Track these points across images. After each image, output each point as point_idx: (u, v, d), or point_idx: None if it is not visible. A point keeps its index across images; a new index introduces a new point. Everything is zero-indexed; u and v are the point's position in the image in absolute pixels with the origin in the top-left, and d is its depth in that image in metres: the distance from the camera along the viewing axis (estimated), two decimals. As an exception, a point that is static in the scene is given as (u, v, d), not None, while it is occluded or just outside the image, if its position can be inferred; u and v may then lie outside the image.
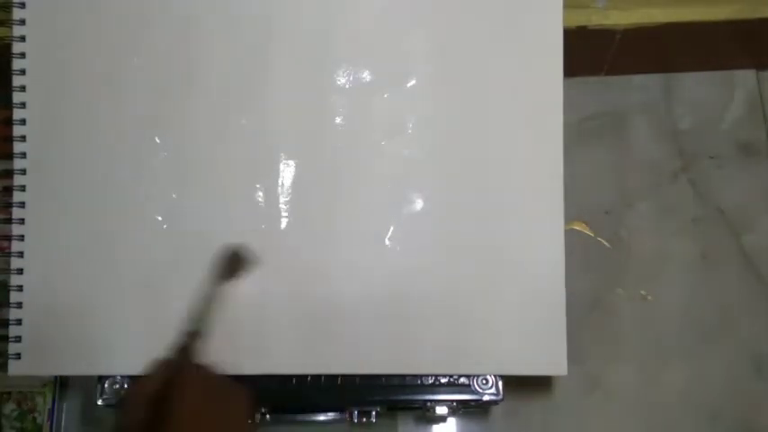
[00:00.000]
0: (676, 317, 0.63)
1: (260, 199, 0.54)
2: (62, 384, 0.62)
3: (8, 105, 0.54)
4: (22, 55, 0.54)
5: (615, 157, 0.67)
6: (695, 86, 0.69)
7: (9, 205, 0.54)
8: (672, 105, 0.68)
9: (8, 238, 0.54)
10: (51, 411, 0.61)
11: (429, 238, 0.54)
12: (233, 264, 0.49)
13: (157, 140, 0.54)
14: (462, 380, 0.54)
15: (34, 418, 0.61)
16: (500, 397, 0.54)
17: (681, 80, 0.69)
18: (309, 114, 0.54)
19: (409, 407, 0.58)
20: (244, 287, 0.53)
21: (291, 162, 0.54)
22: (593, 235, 0.66)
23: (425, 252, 0.54)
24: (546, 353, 0.53)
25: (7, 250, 0.54)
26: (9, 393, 0.62)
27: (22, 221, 0.54)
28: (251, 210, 0.54)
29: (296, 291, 0.53)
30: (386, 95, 0.54)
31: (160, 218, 0.54)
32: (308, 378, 0.54)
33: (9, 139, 0.54)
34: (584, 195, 0.65)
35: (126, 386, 0.54)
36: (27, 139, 0.54)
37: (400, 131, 0.54)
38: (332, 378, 0.54)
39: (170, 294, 0.53)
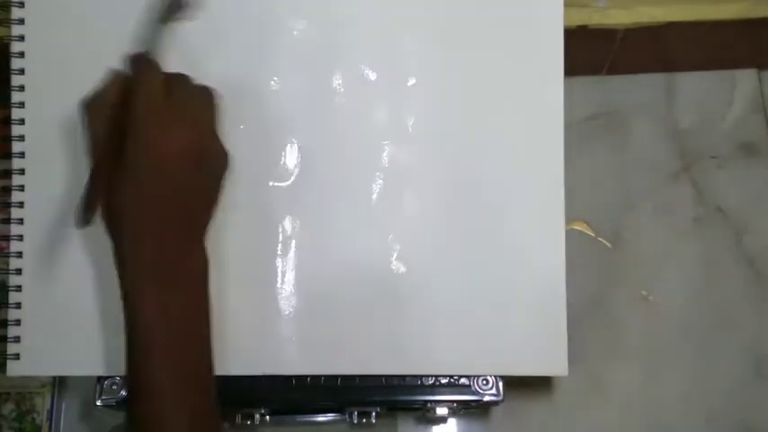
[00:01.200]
0: (677, 317, 0.63)
1: (260, 200, 0.54)
2: (61, 385, 0.62)
3: (7, 105, 0.54)
4: (21, 54, 0.54)
5: (616, 157, 0.67)
6: (697, 86, 0.69)
7: (8, 205, 0.54)
8: (673, 105, 0.68)
9: (7, 238, 0.54)
10: (50, 412, 0.61)
11: (429, 238, 0.53)
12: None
13: (157, 140, 0.54)
14: (462, 380, 0.54)
15: (33, 419, 0.61)
16: (500, 397, 0.53)
17: (682, 79, 0.69)
18: (309, 114, 0.54)
19: (409, 407, 0.58)
20: (244, 287, 0.53)
21: (291, 162, 0.54)
22: (593, 235, 0.65)
23: (425, 252, 0.53)
24: (546, 353, 0.53)
25: (6, 250, 0.54)
26: (8, 394, 0.61)
27: (21, 221, 0.53)
28: (250, 210, 0.53)
29: (296, 291, 0.53)
30: (386, 95, 0.54)
31: (159, 218, 0.54)
32: (308, 378, 0.54)
33: (8, 139, 0.54)
34: (585, 195, 0.64)
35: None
36: (26, 138, 0.54)
37: (400, 131, 0.54)
38: (332, 378, 0.54)
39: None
